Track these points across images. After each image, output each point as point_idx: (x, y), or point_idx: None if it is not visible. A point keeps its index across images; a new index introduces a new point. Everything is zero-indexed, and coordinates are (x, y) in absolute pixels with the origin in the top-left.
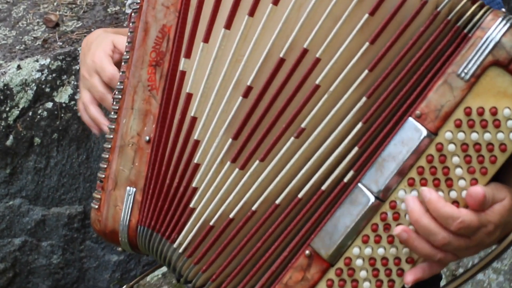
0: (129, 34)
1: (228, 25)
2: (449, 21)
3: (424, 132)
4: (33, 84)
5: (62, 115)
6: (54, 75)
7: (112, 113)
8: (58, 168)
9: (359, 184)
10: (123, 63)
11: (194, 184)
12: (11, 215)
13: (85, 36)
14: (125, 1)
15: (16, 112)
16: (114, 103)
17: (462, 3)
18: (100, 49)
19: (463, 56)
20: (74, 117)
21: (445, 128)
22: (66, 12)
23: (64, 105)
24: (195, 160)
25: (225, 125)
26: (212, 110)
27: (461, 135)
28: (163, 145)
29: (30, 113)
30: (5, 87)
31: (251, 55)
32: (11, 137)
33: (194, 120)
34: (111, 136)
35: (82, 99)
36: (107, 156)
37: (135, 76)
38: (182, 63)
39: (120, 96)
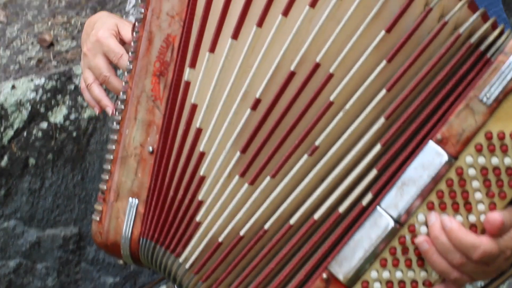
0: (132, 44)
1: (235, 35)
2: (472, 44)
3: (446, 157)
4: (28, 104)
5: (57, 135)
6: (48, 95)
7: (115, 123)
8: (53, 189)
9: (378, 208)
10: (126, 73)
11: (200, 197)
12: (6, 237)
13: (80, 55)
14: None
15: (10, 132)
16: (117, 113)
17: (485, 27)
18: (105, 28)
19: (485, 80)
20: (69, 137)
21: (466, 152)
22: (60, 32)
23: (59, 125)
24: (201, 172)
25: (232, 137)
26: (218, 122)
27: (481, 160)
28: (166, 156)
29: (25, 134)
30: (0, 107)
31: (259, 66)
32: (5, 158)
33: (199, 131)
34: (113, 147)
35: (85, 78)
36: (109, 167)
37: (138, 86)
38: (187, 73)
39: (123, 107)
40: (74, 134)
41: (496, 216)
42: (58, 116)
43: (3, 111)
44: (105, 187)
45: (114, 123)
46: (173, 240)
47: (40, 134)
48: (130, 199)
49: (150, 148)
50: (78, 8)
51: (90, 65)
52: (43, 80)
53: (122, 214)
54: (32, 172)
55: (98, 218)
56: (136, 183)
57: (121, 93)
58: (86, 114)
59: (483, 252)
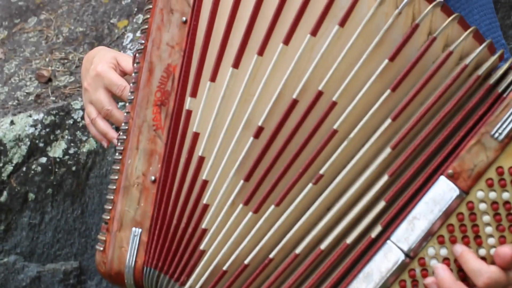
0: (133, 74)
1: (236, 64)
2: (479, 76)
3: (457, 192)
4: (27, 139)
5: (56, 170)
6: (47, 130)
7: (117, 153)
8: (53, 223)
9: (389, 241)
10: (127, 104)
11: (203, 226)
12: (6, 272)
13: (78, 90)
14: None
15: (10, 167)
16: (119, 143)
17: (492, 59)
18: (103, 62)
19: (497, 117)
20: (68, 171)
21: (477, 187)
22: (58, 68)
23: (58, 159)
24: (204, 200)
25: (235, 165)
26: (221, 150)
27: (492, 195)
28: (169, 185)
29: (24, 169)
30: None
31: (261, 95)
32: (5, 193)
33: (202, 159)
34: (116, 177)
35: (88, 113)
36: (112, 197)
37: (140, 116)
38: (188, 102)
39: (125, 137)
40: (74, 168)
41: (506, 250)
42: (57, 150)
43: (2, 147)
44: (108, 217)
45: (117, 153)
46: (177, 269)
47: (39, 169)
48: (134, 228)
49: (153, 177)
50: (75, 44)
51: (92, 99)
52: (41, 115)
53: (126, 244)
54: (31, 207)
55: (101, 248)
56: (139, 212)
57: (123, 123)
58: (85, 148)
59: (489, 278)
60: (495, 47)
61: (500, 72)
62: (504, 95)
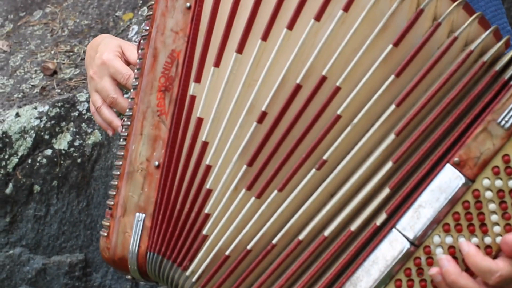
0: (138, 61)
1: (240, 50)
2: (484, 62)
3: (463, 180)
4: (32, 132)
5: (62, 162)
6: (53, 122)
7: (121, 139)
8: (58, 216)
9: (394, 229)
10: (132, 90)
11: (206, 210)
12: (11, 264)
13: (83, 82)
14: None
15: (15, 159)
16: (123, 129)
17: (498, 45)
18: (109, 50)
19: (504, 104)
20: (74, 164)
21: (483, 175)
22: (63, 60)
23: (63, 152)
24: (207, 185)
25: (239, 150)
26: (224, 135)
27: (498, 182)
28: (173, 170)
29: (29, 161)
30: (4, 135)
31: (265, 79)
32: (10, 185)
33: (205, 144)
34: (120, 163)
35: (93, 101)
36: (116, 183)
37: (144, 102)
38: (192, 88)
39: (129, 123)
40: (79, 160)
41: None
42: (62, 143)
43: (8, 139)
44: (112, 203)
45: (121, 139)
46: (180, 254)
47: (44, 161)
48: (137, 213)
49: (156, 163)
50: (81, 37)
51: (97, 88)
52: (47, 107)
53: (129, 229)
54: (37, 199)
55: (105, 234)
56: (143, 197)
57: (127, 109)
58: (90, 141)
59: (500, 276)
60: (501, 34)
61: (506, 58)
62: (511, 82)
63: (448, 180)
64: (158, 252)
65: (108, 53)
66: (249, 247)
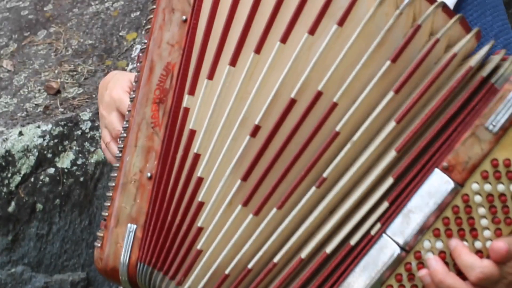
0: (136, 73)
1: (233, 62)
2: (483, 78)
3: (452, 184)
4: (35, 150)
5: (64, 180)
6: (55, 140)
7: (118, 151)
8: (60, 234)
9: (384, 235)
10: (129, 102)
11: (199, 224)
12: (13, 282)
13: (86, 101)
14: (125, 68)
15: (18, 178)
16: (120, 142)
17: (497, 59)
18: (118, 86)
19: (491, 109)
20: (76, 182)
21: (472, 179)
22: (67, 80)
23: (66, 170)
24: (199, 198)
25: (231, 164)
26: (216, 147)
27: (487, 187)
28: (164, 181)
29: (32, 179)
30: (7, 154)
31: (258, 93)
32: (13, 203)
33: (197, 156)
34: (115, 175)
35: (103, 138)
36: (111, 194)
37: (139, 114)
38: (186, 100)
39: (125, 135)
40: (81, 179)
41: (501, 245)
42: (65, 161)
43: (11, 157)
44: (106, 214)
45: (118, 151)
46: (172, 266)
47: (47, 179)
48: (129, 224)
49: (149, 174)
50: (84, 56)
51: (106, 123)
52: (50, 126)
53: (121, 240)
54: (39, 217)
55: (99, 245)
56: (135, 208)
57: (124, 121)
58: (93, 159)
59: (481, 272)
60: (507, 47)
61: (492, 64)
62: (498, 87)
63: (437, 185)
64: (148, 263)
65: (117, 89)
66: (249, 266)
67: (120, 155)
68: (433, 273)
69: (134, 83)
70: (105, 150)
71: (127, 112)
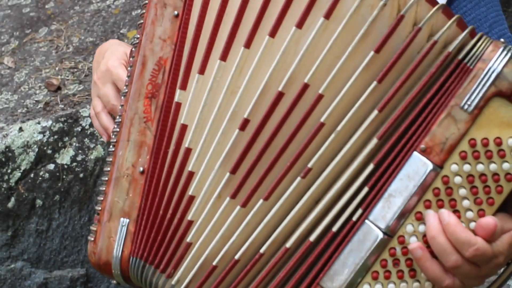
0: (129, 68)
1: (223, 57)
2: (450, 53)
3: (430, 166)
4: (35, 146)
5: (64, 176)
6: (55, 137)
7: (111, 146)
8: (60, 230)
9: (367, 221)
10: (122, 97)
11: (189, 217)
12: (13, 278)
13: (86, 98)
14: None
15: (17, 174)
16: (113, 136)
17: (472, 42)
18: (114, 57)
19: (465, 88)
20: (76, 178)
21: (451, 160)
22: (67, 76)
23: (66, 166)
24: (190, 192)
25: (221, 157)
26: (207, 142)
27: (466, 167)
28: (156, 176)
29: (32, 175)
30: (7, 149)
31: (247, 87)
32: (12, 199)
33: (188, 151)
34: (108, 169)
35: (94, 107)
36: (104, 188)
37: (132, 109)
38: (178, 95)
39: (118, 129)
40: (81, 175)
41: (490, 220)
42: (65, 157)
43: (11, 153)
44: (99, 208)
45: (111, 145)
46: (163, 260)
47: (47, 175)
48: (122, 219)
49: (141, 168)
50: (85, 54)
51: (99, 93)
52: (50, 122)
53: (114, 234)
54: (39, 213)
55: (92, 239)
56: (128, 203)
57: (117, 116)
58: (92, 156)
59: (477, 249)
60: (476, 33)
61: (468, 46)
62: (471, 66)
63: (415, 168)
64: (140, 257)
65: (113, 60)
66: (236, 257)
67: (113, 149)
68: (429, 228)
69: (126, 78)
70: (93, 118)
71: (124, 87)
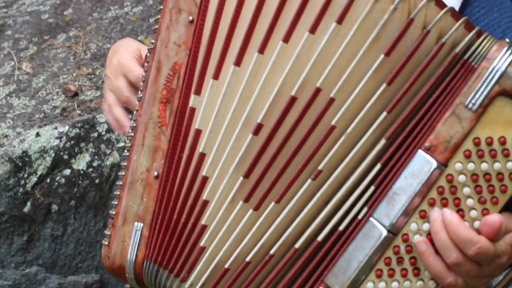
0: (143, 73)
1: (238, 62)
2: (457, 54)
3: (434, 164)
4: (52, 151)
5: (80, 182)
6: (72, 142)
7: (125, 151)
8: (75, 235)
9: (371, 219)
10: (137, 102)
11: (203, 222)
12: (27, 283)
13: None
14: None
15: (34, 179)
16: (127, 141)
17: (478, 42)
18: (127, 52)
19: (470, 87)
20: (92, 184)
21: (455, 159)
22: (85, 82)
23: (81, 172)
24: (204, 196)
25: (235, 162)
26: (221, 147)
27: (471, 166)
28: (171, 180)
29: (48, 180)
30: (24, 154)
31: (261, 92)
32: (28, 204)
33: (202, 156)
34: (123, 174)
35: (107, 100)
36: (118, 193)
37: (147, 113)
38: (192, 100)
39: (133, 134)
40: (97, 181)
41: (496, 218)
42: (81, 163)
43: (27, 158)
44: (114, 213)
45: (125, 150)
46: (177, 264)
47: (63, 180)
48: (136, 223)
49: (156, 173)
50: (102, 60)
51: (112, 86)
52: (67, 127)
53: (128, 238)
54: (54, 218)
55: (106, 243)
56: (142, 207)
57: (132, 121)
58: (108, 161)
59: (480, 247)
60: (482, 33)
61: (474, 46)
62: (476, 65)
63: (420, 166)
64: (154, 261)
65: (126, 54)
66: (248, 259)
67: (128, 154)
68: (434, 222)
69: (141, 83)
70: (106, 112)
71: (141, 83)
